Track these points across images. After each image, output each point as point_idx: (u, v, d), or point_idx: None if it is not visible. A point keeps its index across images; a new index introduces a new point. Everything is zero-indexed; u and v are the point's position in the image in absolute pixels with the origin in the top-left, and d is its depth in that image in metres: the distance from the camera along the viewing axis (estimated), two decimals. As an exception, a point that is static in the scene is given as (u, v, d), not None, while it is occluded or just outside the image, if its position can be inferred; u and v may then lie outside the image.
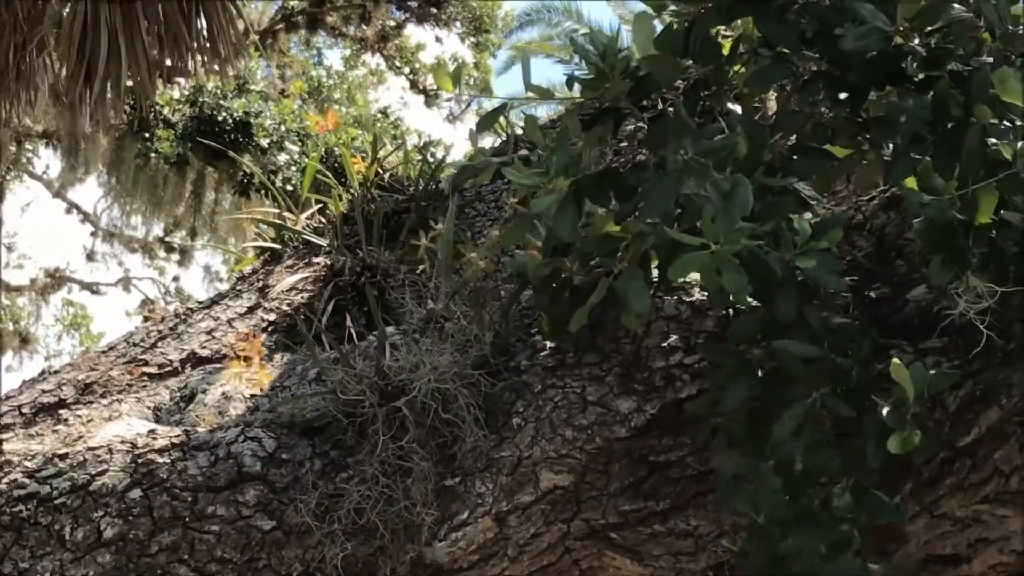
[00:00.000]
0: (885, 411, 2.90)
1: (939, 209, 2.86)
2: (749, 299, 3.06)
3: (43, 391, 4.04)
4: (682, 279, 3.32)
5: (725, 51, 3.31)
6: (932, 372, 2.89)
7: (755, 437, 3.07)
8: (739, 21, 3.39)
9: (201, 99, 13.69)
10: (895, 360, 2.84)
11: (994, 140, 2.87)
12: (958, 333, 3.18)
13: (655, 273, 3.26)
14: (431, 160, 5.76)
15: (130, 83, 6.90)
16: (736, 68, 3.38)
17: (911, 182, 2.94)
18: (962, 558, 3.35)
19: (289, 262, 4.99)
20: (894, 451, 2.83)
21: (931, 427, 3.02)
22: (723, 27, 3.42)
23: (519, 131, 4.80)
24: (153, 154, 14.76)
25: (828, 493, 2.99)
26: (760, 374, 3.11)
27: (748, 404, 3.09)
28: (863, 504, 2.97)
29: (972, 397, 3.16)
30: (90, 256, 21.51)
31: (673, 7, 3.24)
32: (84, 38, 6.45)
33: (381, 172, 5.38)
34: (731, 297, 3.01)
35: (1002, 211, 2.89)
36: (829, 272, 3.02)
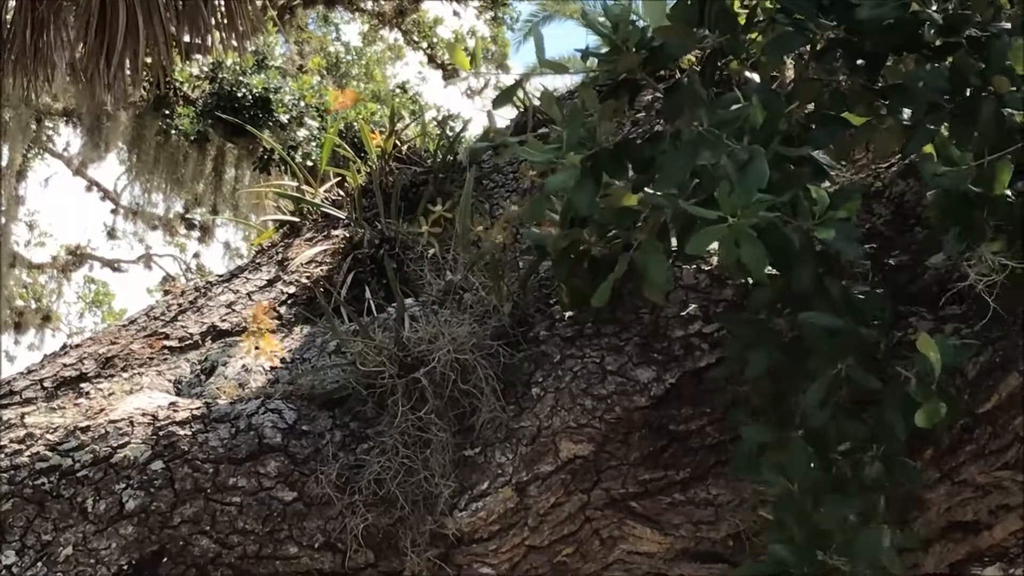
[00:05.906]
0: (909, 382, 2.89)
1: (954, 180, 2.84)
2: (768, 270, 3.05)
3: (64, 365, 4.05)
4: (700, 249, 3.32)
5: (741, 20, 3.29)
6: (955, 344, 2.87)
7: (780, 406, 3.07)
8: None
9: (220, 75, 13.67)
10: (923, 334, 2.82)
11: (1011, 110, 2.85)
12: (976, 300, 3.17)
13: (674, 243, 3.25)
14: (449, 132, 5.74)
15: (148, 59, 6.91)
16: (753, 36, 3.37)
17: (929, 149, 2.92)
18: (983, 525, 3.35)
19: (308, 235, 4.99)
20: (921, 424, 2.81)
21: (953, 395, 3.01)
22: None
23: (537, 102, 4.78)
24: (173, 131, 14.76)
25: (858, 461, 2.98)
26: (781, 343, 3.10)
27: (771, 373, 3.09)
28: (894, 472, 2.95)
29: (991, 364, 3.15)
30: (111, 233, 21.60)
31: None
32: (102, 13, 6.46)
33: (399, 144, 5.36)
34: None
35: (1020, 182, 2.87)
36: (848, 241, 3.00)
